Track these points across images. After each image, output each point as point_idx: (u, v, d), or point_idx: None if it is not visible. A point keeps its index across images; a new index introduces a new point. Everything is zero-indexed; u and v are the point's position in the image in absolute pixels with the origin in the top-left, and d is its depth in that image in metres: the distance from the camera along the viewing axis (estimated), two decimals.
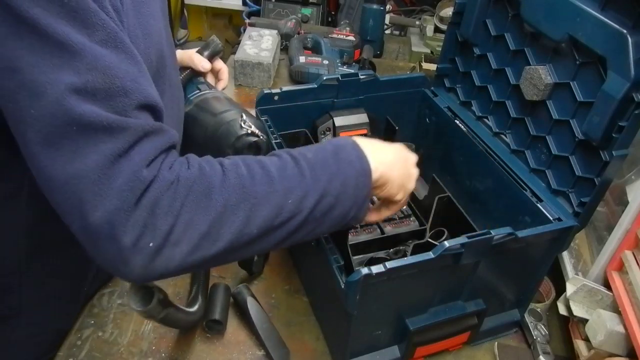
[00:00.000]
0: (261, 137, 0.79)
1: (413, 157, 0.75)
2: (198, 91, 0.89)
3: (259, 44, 1.48)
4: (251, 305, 0.85)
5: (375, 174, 0.65)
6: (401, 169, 0.71)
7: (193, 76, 0.93)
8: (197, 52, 0.92)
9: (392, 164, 0.69)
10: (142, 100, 0.54)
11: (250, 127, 0.78)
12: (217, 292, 0.86)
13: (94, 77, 0.49)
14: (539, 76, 0.79)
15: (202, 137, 0.82)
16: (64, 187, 0.50)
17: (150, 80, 0.57)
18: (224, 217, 0.55)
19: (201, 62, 0.91)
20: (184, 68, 0.92)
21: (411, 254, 0.84)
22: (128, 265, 0.52)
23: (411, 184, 0.73)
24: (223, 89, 0.95)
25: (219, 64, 0.95)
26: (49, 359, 0.80)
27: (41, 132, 0.49)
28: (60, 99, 0.48)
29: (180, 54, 0.92)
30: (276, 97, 0.95)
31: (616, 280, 0.75)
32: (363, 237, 0.94)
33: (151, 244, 0.52)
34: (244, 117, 0.79)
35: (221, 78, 0.96)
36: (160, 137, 0.55)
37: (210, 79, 0.95)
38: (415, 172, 0.74)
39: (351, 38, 1.53)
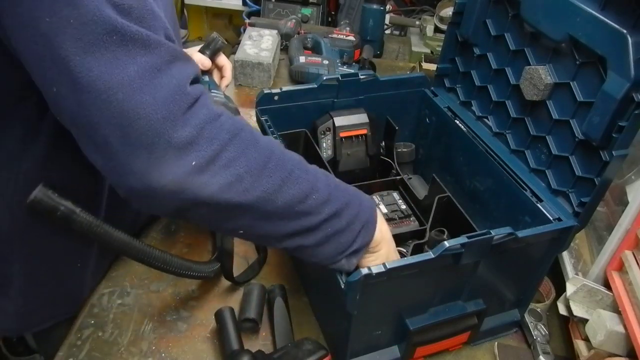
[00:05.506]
0: None
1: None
2: None
3: (259, 44, 1.48)
4: (277, 306, 0.86)
5: (377, 234, 0.68)
6: (390, 247, 0.73)
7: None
8: (199, 51, 0.92)
9: (389, 239, 0.72)
10: (166, 29, 0.55)
11: None
12: (252, 291, 0.87)
13: None
14: (539, 76, 0.79)
15: None
16: (102, 96, 0.50)
17: None
18: (262, 172, 0.57)
19: (201, 61, 0.90)
20: None
21: (411, 254, 0.84)
22: (162, 171, 0.52)
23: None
24: (227, 85, 0.96)
25: (222, 59, 0.95)
26: (40, 330, 0.82)
27: (82, 40, 0.49)
28: (100, 7, 0.49)
29: None
30: (276, 97, 0.95)
31: (616, 280, 0.75)
32: None
33: (194, 163, 0.53)
34: None
35: (224, 75, 0.96)
36: (191, 64, 0.56)
37: (215, 75, 0.95)
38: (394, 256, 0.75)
39: (351, 38, 1.53)
